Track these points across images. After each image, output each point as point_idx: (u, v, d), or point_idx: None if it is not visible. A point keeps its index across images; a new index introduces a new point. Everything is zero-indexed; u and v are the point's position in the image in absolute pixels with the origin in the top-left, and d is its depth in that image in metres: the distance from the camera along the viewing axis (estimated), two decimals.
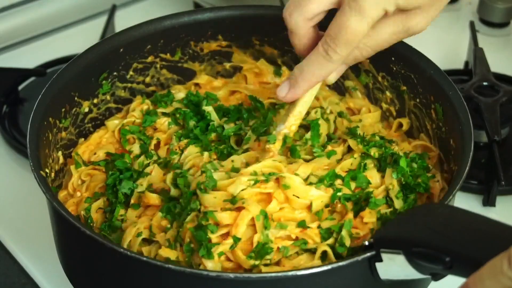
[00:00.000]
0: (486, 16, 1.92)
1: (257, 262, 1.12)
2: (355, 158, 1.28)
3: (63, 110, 1.34)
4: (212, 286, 1.08)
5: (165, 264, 1.06)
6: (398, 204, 1.22)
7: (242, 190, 1.17)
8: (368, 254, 1.06)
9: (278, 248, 1.14)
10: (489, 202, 1.50)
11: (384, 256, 1.06)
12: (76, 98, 1.37)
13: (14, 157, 1.61)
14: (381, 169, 1.27)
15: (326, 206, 1.21)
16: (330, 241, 1.16)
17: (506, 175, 1.47)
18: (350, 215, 1.19)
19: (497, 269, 0.88)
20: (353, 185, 1.24)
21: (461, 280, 0.94)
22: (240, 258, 1.13)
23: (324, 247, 1.14)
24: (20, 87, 1.74)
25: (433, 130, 1.35)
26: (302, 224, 1.18)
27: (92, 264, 1.18)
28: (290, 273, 1.05)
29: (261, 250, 1.12)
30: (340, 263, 1.06)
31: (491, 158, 1.50)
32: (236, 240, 1.13)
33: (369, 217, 1.19)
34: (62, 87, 1.33)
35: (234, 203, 1.16)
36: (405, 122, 1.41)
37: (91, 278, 1.21)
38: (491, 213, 1.49)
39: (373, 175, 1.26)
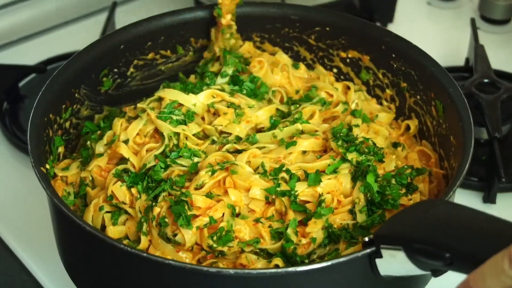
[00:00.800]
0: (487, 13, 1.92)
1: (215, 245, 1.17)
2: (334, 160, 1.27)
3: (63, 106, 1.34)
4: (211, 282, 1.08)
5: (165, 260, 1.07)
6: (360, 218, 1.21)
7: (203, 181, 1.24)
8: (368, 250, 1.06)
9: (236, 237, 1.19)
10: (489, 199, 1.50)
11: (384, 252, 1.06)
12: (76, 95, 1.37)
13: (15, 154, 1.61)
14: (354, 179, 1.26)
15: (266, 198, 1.24)
16: (279, 243, 1.19)
17: (506, 172, 1.47)
18: (291, 213, 1.21)
19: (498, 267, 0.88)
20: (303, 185, 1.24)
21: (461, 277, 0.94)
22: (204, 236, 1.18)
23: (276, 261, 1.16)
24: (20, 84, 1.74)
25: (434, 127, 1.35)
26: (257, 220, 1.22)
27: (92, 260, 1.18)
28: (289, 269, 1.06)
29: (224, 236, 1.18)
30: (340, 260, 1.06)
31: (492, 155, 1.50)
32: (212, 220, 1.19)
33: (313, 227, 1.20)
34: (62, 84, 1.33)
35: (211, 197, 1.23)
36: (413, 125, 1.40)
37: (92, 275, 1.21)
38: (492, 210, 1.49)
39: (344, 181, 1.25)
